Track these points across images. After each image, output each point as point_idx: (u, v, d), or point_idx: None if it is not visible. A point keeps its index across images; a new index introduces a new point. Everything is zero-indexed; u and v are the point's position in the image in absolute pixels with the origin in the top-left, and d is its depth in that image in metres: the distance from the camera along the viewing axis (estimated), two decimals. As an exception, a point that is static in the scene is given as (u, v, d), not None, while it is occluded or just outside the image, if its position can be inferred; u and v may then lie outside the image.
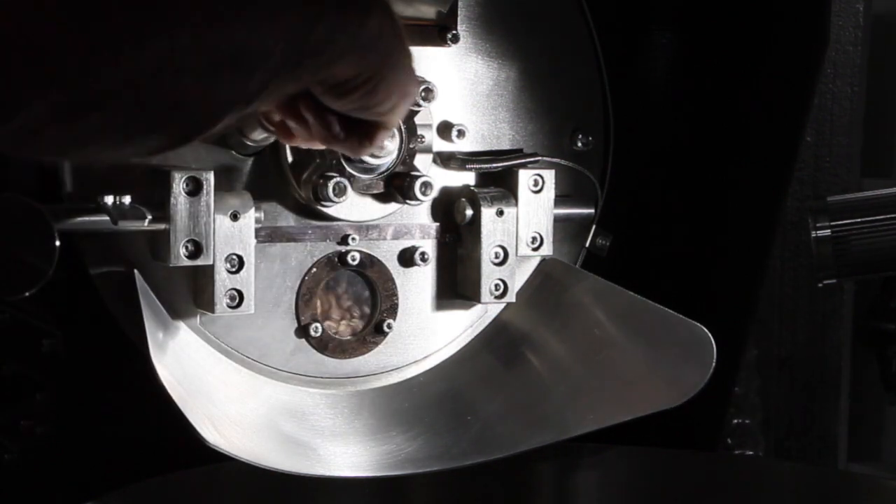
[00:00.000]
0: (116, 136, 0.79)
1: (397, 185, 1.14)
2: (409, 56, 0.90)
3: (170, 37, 0.75)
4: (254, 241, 1.08)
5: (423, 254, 1.17)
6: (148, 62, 0.75)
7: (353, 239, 1.15)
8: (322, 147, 1.00)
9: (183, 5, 0.76)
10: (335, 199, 1.11)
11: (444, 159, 1.17)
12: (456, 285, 1.19)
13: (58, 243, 0.98)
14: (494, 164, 1.18)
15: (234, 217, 1.06)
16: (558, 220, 1.20)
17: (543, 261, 1.22)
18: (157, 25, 0.75)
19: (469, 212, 1.17)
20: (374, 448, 1.13)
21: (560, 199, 1.20)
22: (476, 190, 1.17)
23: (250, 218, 1.07)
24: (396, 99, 0.91)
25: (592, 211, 1.23)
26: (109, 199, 1.02)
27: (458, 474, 1.14)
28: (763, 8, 1.28)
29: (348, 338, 1.16)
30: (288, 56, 0.80)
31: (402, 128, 1.13)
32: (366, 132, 0.94)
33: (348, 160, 1.11)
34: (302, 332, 1.14)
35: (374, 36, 0.85)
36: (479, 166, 1.18)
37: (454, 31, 1.16)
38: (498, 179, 1.19)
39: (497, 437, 1.15)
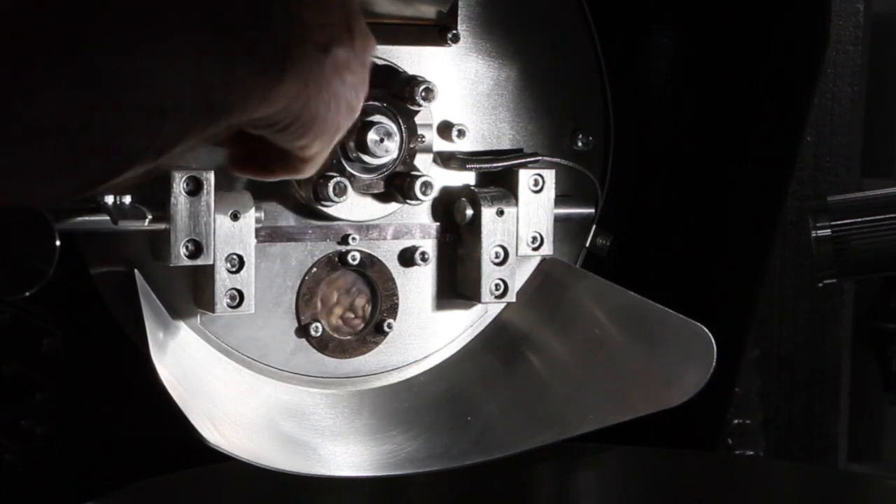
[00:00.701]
0: (14, 178, 0.74)
1: (397, 185, 1.14)
2: (326, 105, 0.86)
3: (75, 82, 0.71)
4: (254, 240, 1.08)
5: (423, 253, 1.17)
6: (48, 104, 0.71)
7: (354, 239, 1.15)
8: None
9: (91, 49, 0.72)
10: (335, 198, 1.11)
11: (445, 159, 1.17)
12: (456, 285, 1.19)
13: (58, 243, 0.98)
14: (495, 164, 1.18)
15: (235, 217, 1.06)
16: (558, 220, 1.20)
17: (543, 260, 1.22)
18: (58, 66, 0.71)
19: (469, 211, 1.17)
20: (374, 448, 1.13)
21: (560, 199, 1.20)
22: (476, 190, 1.17)
23: (250, 217, 1.07)
24: (319, 145, 0.90)
25: (592, 211, 1.23)
26: (109, 199, 1.02)
27: (458, 474, 1.14)
28: (763, 8, 1.28)
29: (348, 338, 1.16)
30: (200, 112, 0.77)
31: (403, 127, 1.13)
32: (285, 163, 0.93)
33: (349, 159, 1.11)
34: (302, 331, 1.14)
35: (283, 94, 0.82)
36: (480, 166, 1.18)
37: (454, 31, 1.16)
38: (498, 179, 1.19)
39: (497, 436, 1.15)
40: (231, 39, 0.78)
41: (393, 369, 1.19)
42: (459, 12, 1.17)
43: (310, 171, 0.94)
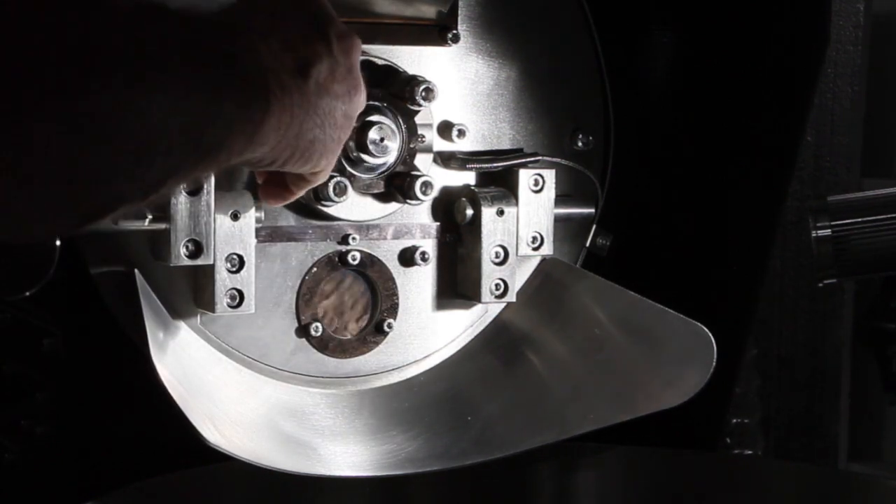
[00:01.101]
0: (7, 217, 0.74)
1: (398, 185, 1.14)
2: (321, 127, 0.89)
3: (61, 125, 0.70)
4: (254, 240, 1.08)
5: (423, 253, 1.17)
6: (37, 143, 0.70)
7: (354, 238, 1.15)
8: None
9: (76, 92, 0.71)
10: (336, 198, 1.11)
11: (445, 159, 1.17)
12: (456, 285, 1.19)
13: (58, 243, 0.98)
14: (495, 164, 1.18)
15: (235, 217, 1.06)
16: (558, 220, 1.20)
17: (544, 260, 1.22)
18: (52, 100, 0.70)
19: (469, 211, 1.17)
20: (374, 448, 1.13)
21: (560, 199, 1.20)
22: (476, 189, 1.17)
23: (251, 217, 1.07)
24: (326, 161, 0.94)
25: (593, 210, 1.23)
26: (110, 199, 1.02)
27: (458, 474, 1.14)
28: (763, 8, 1.28)
29: (349, 337, 1.16)
30: (188, 151, 0.77)
31: (403, 127, 1.13)
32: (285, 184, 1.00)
33: (349, 159, 1.11)
34: (302, 331, 1.14)
35: (273, 129, 0.83)
36: (480, 166, 1.18)
37: (454, 31, 1.16)
38: (498, 179, 1.19)
39: (497, 437, 1.15)
40: (211, 79, 0.78)
41: (393, 369, 1.19)
42: (459, 12, 1.17)
43: (324, 178, 1.00)
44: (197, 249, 1.05)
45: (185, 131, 0.76)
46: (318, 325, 1.14)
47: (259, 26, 0.85)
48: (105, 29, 0.73)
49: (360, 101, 0.95)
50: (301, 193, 1.04)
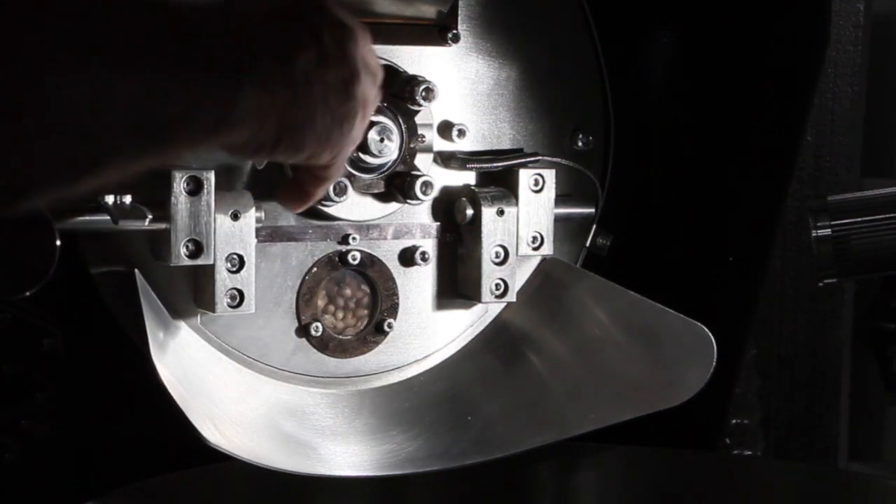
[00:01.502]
0: None
1: (398, 185, 1.14)
2: (310, 114, 0.87)
3: None
4: (254, 240, 1.08)
5: (423, 253, 1.17)
6: None
7: (354, 238, 1.15)
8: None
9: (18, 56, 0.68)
10: (336, 198, 1.11)
11: (445, 159, 1.17)
12: (456, 285, 1.19)
13: (58, 243, 0.98)
14: (495, 164, 1.18)
15: (235, 216, 1.06)
16: (559, 220, 1.20)
17: (544, 260, 1.22)
18: None
19: (470, 211, 1.17)
20: (374, 447, 1.13)
21: (560, 199, 1.20)
22: (477, 189, 1.17)
23: (251, 217, 1.07)
24: (329, 152, 0.91)
25: (593, 210, 1.23)
26: (110, 199, 1.02)
27: (458, 474, 1.14)
28: (763, 7, 1.28)
29: (349, 337, 1.16)
30: (132, 129, 0.73)
31: (403, 127, 1.13)
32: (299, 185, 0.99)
33: (349, 159, 1.11)
34: (302, 331, 1.14)
35: (251, 111, 0.81)
36: (480, 166, 1.18)
37: (455, 31, 1.16)
38: (498, 179, 1.19)
39: (497, 436, 1.15)
40: (167, 57, 0.76)
41: (393, 369, 1.19)
42: (459, 12, 1.17)
43: (336, 174, 0.98)
44: (197, 249, 1.05)
45: (127, 109, 0.73)
46: (318, 324, 1.14)
47: (248, 14, 0.84)
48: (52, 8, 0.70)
49: (361, 91, 0.92)
50: (320, 194, 1.02)
